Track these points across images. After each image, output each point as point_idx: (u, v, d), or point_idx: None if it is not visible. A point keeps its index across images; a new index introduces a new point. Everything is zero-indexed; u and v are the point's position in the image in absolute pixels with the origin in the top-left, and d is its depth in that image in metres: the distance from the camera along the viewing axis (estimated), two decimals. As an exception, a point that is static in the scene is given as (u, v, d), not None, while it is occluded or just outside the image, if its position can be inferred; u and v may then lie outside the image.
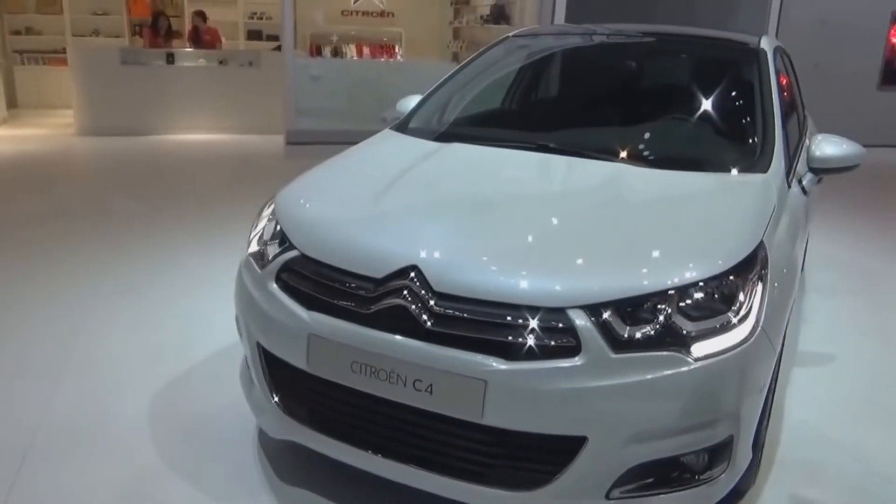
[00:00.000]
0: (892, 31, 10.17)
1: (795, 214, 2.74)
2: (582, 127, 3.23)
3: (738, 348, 2.06)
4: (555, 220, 2.38)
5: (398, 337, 2.09)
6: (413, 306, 2.08)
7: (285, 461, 2.66)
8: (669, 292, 2.05)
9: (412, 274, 2.12)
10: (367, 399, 2.18)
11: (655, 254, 2.19)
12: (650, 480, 2.09)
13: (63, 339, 3.56)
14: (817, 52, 9.05)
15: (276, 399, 2.40)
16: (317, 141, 8.62)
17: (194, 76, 9.96)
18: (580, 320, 1.98)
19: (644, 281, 2.06)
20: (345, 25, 12.04)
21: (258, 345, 2.42)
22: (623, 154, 2.84)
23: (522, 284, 2.06)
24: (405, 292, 2.10)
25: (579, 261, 2.16)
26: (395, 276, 2.14)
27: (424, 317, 2.07)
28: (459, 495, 2.15)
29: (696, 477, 2.13)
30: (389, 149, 3.19)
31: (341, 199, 2.65)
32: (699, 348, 2.02)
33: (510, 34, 3.96)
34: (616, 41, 3.91)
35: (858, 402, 3.33)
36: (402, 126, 3.43)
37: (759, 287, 2.17)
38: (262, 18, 13.22)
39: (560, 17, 8.80)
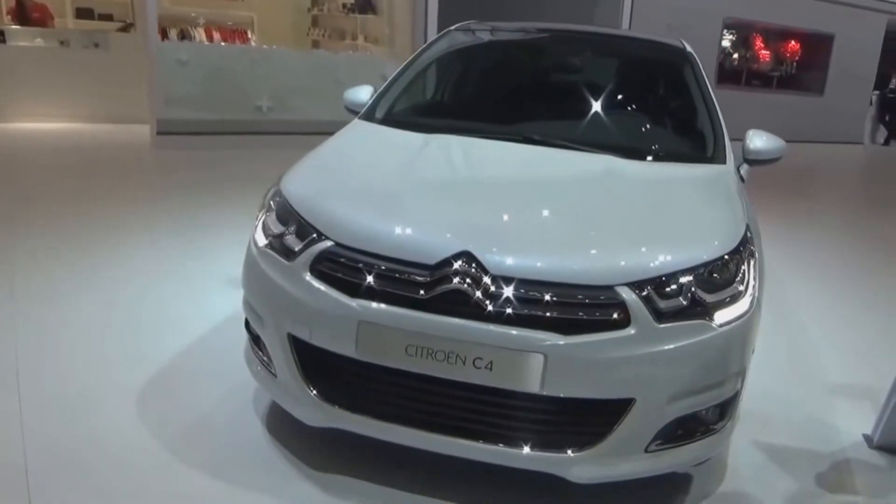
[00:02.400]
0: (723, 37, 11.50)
1: (746, 200, 3.14)
2: (559, 120, 3.44)
3: (745, 315, 2.38)
4: (579, 207, 2.58)
5: (457, 319, 2.20)
6: (471, 290, 2.20)
7: (308, 449, 2.66)
8: (693, 269, 2.32)
9: (465, 259, 2.24)
10: (420, 380, 2.27)
11: (676, 236, 2.47)
12: (679, 433, 2.36)
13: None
14: (665, 53, 9.93)
15: (315, 389, 2.42)
16: (190, 131, 8.28)
17: (32, 57, 9.13)
18: (628, 296, 2.21)
19: (672, 260, 2.32)
20: (191, 7, 11.48)
21: (289, 336, 2.43)
22: (607, 147, 3.08)
23: (573, 265, 2.25)
24: (459, 277, 2.22)
25: (618, 242, 2.39)
26: (447, 261, 2.25)
27: (483, 299, 2.20)
28: (514, 462, 2.30)
29: (710, 428, 2.44)
30: (374, 139, 3.24)
31: (359, 188, 2.69)
32: (719, 316, 2.32)
33: (451, 28, 4.10)
34: (557, 39, 4.17)
35: (783, 362, 3.84)
36: (369, 116, 3.47)
37: (752, 262, 2.52)
38: (91, -5, 12.25)
39: (433, 8, 9.02)
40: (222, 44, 10.31)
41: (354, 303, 2.28)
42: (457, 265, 2.23)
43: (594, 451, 2.26)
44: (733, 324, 2.34)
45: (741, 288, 2.40)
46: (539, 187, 2.75)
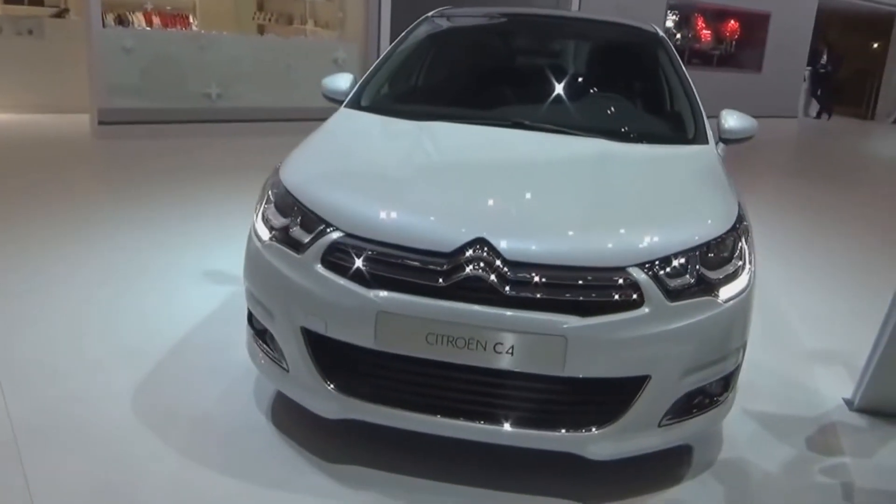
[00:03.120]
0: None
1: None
2: (547, 105, 3.47)
3: (746, 290, 2.47)
4: (583, 190, 2.61)
5: (476, 306, 2.22)
6: (489, 276, 2.22)
7: (318, 441, 2.64)
8: (697, 248, 2.39)
9: (481, 246, 2.26)
10: (439, 367, 2.29)
11: (678, 216, 2.55)
12: (688, 406, 2.44)
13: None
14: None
15: (331, 381, 2.41)
16: (135, 120, 8.03)
17: (-41, 45, 8.70)
18: (640, 276, 2.26)
19: (678, 240, 2.38)
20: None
21: (302, 329, 2.41)
22: (596, 130, 3.12)
23: (587, 248, 2.30)
24: (475, 264, 2.23)
25: (626, 225, 2.43)
26: (463, 249, 2.26)
27: (501, 285, 2.22)
28: (534, 443, 2.35)
29: (715, 400, 2.53)
30: (367, 127, 3.20)
31: (364, 177, 2.67)
32: (724, 292, 2.39)
33: (428, 15, 4.07)
34: (536, 24, 4.18)
35: (759, 332, 3.90)
36: (355, 104, 3.43)
37: (747, 238, 2.61)
38: (20, -22, 11.68)
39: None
40: (169, 30, 9.97)
41: (371, 293, 2.28)
42: (473, 252, 2.25)
43: (612, 429, 2.32)
44: (736, 299, 2.42)
45: (740, 263, 2.48)
46: (540, 172, 2.78)
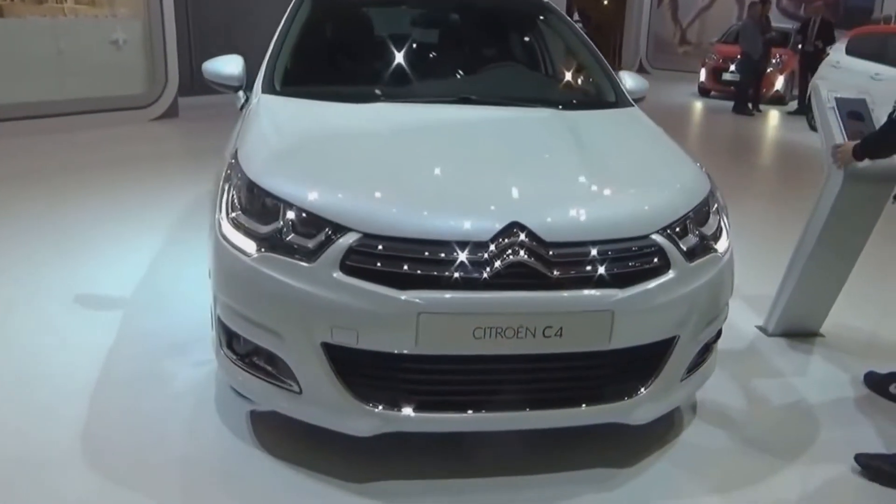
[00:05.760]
0: None
1: None
2: (483, 78, 3.37)
3: (730, 246, 2.63)
4: (582, 162, 2.58)
5: (524, 293, 2.14)
6: (531, 260, 2.15)
7: (330, 462, 2.41)
8: (697, 208, 2.49)
9: (517, 229, 2.17)
10: (482, 361, 2.21)
11: (674, 179, 2.63)
12: (697, 359, 2.56)
13: None
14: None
15: (359, 396, 2.22)
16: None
17: None
18: (664, 242, 2.32)
19: (682, 201, 2.47)
20: None
21: (324, 345, 2.17)
22: (539, 100, 3.11)
23: (615, 220, 2.31)
24: (516, 249, 2.15)
25: (639, 192, 2.48)
26: (499, 235, 2.16)
27: (544, 267, 2.16)
28: (584, 419, 2.37)
29: (710, 348, 2.68)
30: (318, 115, 2.90)
31: (358, 171, 2.41)
32: (720, 247, 2.53)
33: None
34: None
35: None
36: (270, 89, 3.07)
37: (718, 193, 2.77)
38: None
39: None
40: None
41: (408, 295, 2.10)
42: (511, 237, 2.16)
43: (650, 392, 2.38)
44: (728, 252, 2.57)
45: (718, 218, 2.63)
46: (528, 148, 2.72)
